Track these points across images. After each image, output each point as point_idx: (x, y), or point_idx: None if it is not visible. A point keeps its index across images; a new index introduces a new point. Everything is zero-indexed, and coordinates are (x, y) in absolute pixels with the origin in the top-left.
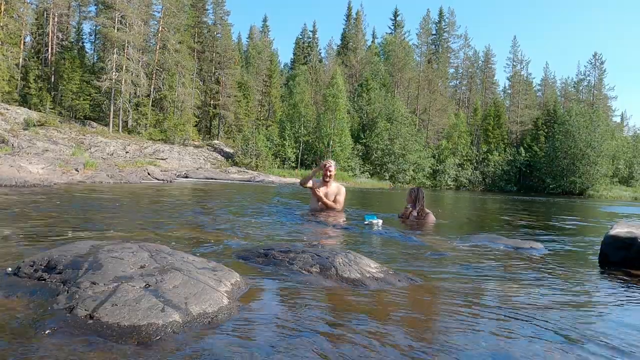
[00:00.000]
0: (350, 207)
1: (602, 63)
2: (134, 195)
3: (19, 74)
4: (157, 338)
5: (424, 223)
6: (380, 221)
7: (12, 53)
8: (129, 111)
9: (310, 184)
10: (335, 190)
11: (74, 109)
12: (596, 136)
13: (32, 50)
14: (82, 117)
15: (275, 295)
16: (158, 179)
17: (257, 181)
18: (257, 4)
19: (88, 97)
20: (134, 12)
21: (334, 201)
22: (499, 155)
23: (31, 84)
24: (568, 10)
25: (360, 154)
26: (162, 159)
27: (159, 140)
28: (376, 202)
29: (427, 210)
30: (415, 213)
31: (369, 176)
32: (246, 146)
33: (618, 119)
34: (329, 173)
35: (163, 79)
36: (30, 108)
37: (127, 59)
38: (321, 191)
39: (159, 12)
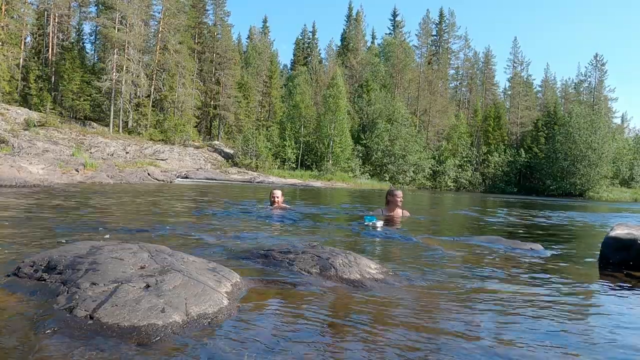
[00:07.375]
0: (350, 207)
1: (603, 64)
2: (134, 196)
3: (20, 74)
4: (157, 339)
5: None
6: (381, 222)
7: (12, 53)
8: (129, 112)
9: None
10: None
11: (74, 109)
12: (596, 138)
13: (33, 51)
14: (82, 118)
15: (275, 296)
16: (158, 180)
17: (258, 182)
18: (257, 5)
19: (88, 97)
20: (134, 13)
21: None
22: (499, 156)
23: (32, 84)
24: (569, 11)
25: (360, 154)
26: (162, 160)
27: (159, 140)
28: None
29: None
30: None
31: (369, 177)
32: (246, 147)
33: (618, 121)
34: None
35: (163, 79)
36: (30, 108)
37: (128, 59)
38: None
39: (159, 13)
